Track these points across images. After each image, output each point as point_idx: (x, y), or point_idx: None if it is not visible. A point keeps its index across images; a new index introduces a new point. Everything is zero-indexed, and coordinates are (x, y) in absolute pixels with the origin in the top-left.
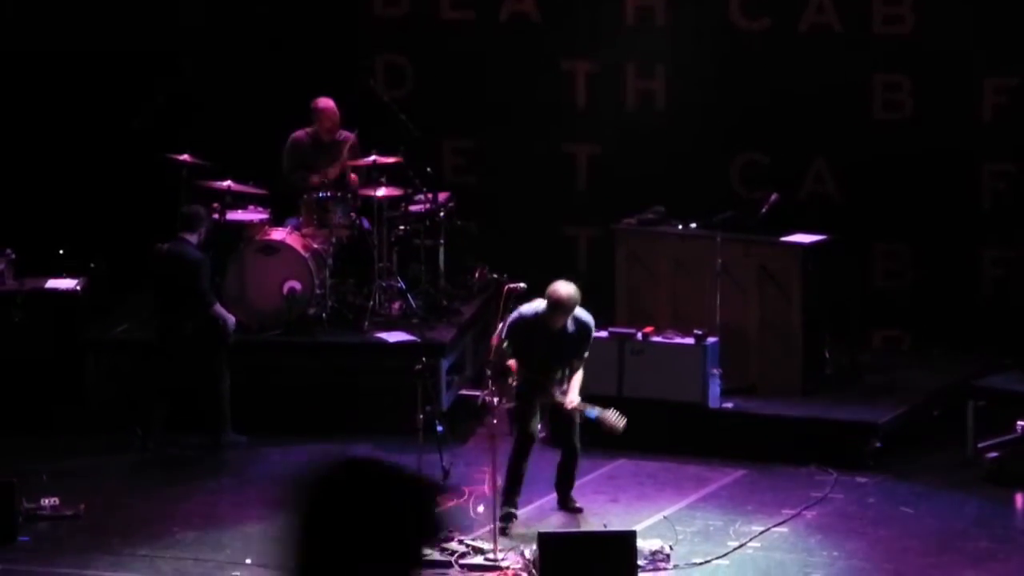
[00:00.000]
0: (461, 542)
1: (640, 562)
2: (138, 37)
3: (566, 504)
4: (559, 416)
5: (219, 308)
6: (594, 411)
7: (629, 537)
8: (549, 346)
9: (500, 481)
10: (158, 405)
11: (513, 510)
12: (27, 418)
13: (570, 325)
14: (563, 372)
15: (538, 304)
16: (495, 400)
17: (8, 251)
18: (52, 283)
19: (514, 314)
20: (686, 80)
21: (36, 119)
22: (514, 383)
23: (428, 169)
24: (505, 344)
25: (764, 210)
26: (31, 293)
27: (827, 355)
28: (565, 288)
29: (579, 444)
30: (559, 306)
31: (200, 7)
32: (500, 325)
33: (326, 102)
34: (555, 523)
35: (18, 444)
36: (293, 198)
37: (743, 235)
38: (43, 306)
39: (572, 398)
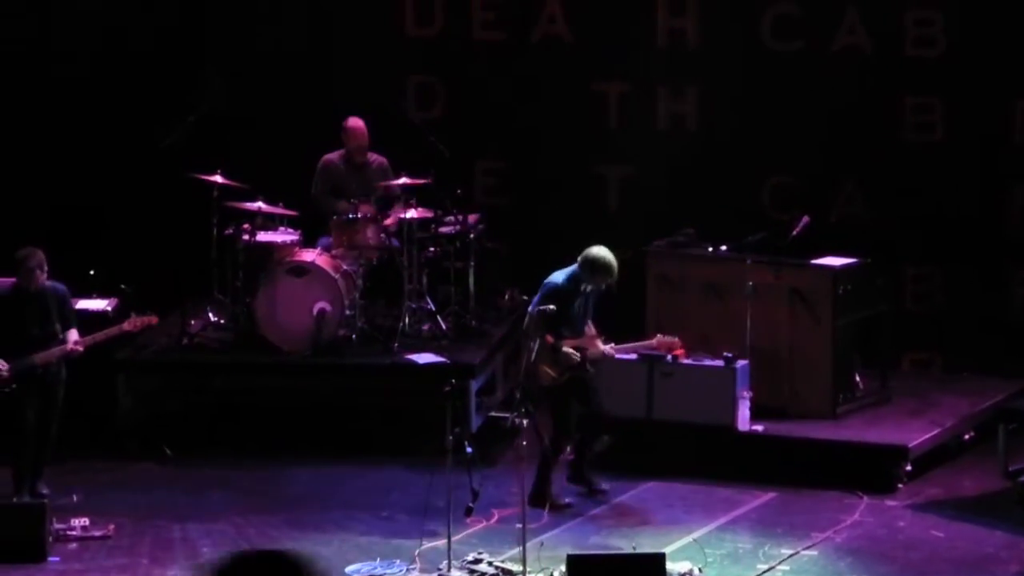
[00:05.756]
0: (490, 564)
1: None
2: (170, 57)
3: (589, 483)
4: (583, 383)
5: None
6: (634, 351)
7: (658, 559)
8: (584, 308)
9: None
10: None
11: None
12: (58, 439)
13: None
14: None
15: (566, 271)
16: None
17: None
18: (83, 304)
19: (547, 285)
20: (718, 102)
21: (68, 140)
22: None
23: (458, 191)
24: (539, 310)
25: (795, 232)
26: None
27: (857, 378)
28: (608, 252)
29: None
30: (609, 272)
31: (231, 27)
32: (531, 346)
33: (355, 121)
34: (584, 545)
35: (49, 464)
36: (322, 219)
37: (774, 257)
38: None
39: (613, 347)
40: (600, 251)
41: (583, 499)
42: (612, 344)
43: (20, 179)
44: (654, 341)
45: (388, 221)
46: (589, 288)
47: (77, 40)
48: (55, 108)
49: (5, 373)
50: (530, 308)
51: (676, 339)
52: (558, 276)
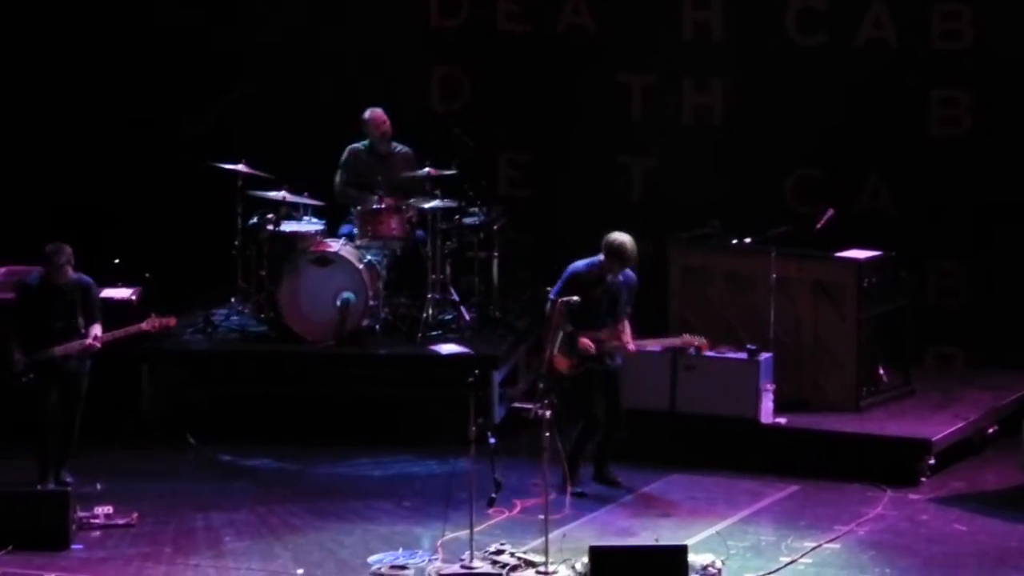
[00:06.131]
0: (513, 555)
1: None
2: (195, 47)
3: (606, 476)
4: (610, 379)
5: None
6: (657, 346)
7: (681, 551)
8: (606, 299)
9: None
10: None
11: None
12: (81, 428)
13: (621, 276)
14: (613, 326)
15: (591, 259)
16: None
17: None
18: (107, 292)
19: (568, 271)
20: (743, 95)
21: (91, 129)
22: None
23: (482, 182)
24: (562, 301)
25: (819, 225)
26: None
27: (881, 371)
28: (627, 237)
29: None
30: (623, 255)
31: (257, 18)
32: (553, 340)
33: (373, 112)
34: (607, 537)
35: (73, 454)
36: (347, 210)
37: (798, 250)
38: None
39: (635, 342)
40: (617, 236)
41: (605, 488)
42: (634, 341)
43: (46, 170)
44: (678, 340)
45: (410, 216)
46: (616, 280)
47: (100, 31)
48: (79, 101)
49: (19, 366)
50: (551, 293)
51: (704, 340)
52: (580, 262)
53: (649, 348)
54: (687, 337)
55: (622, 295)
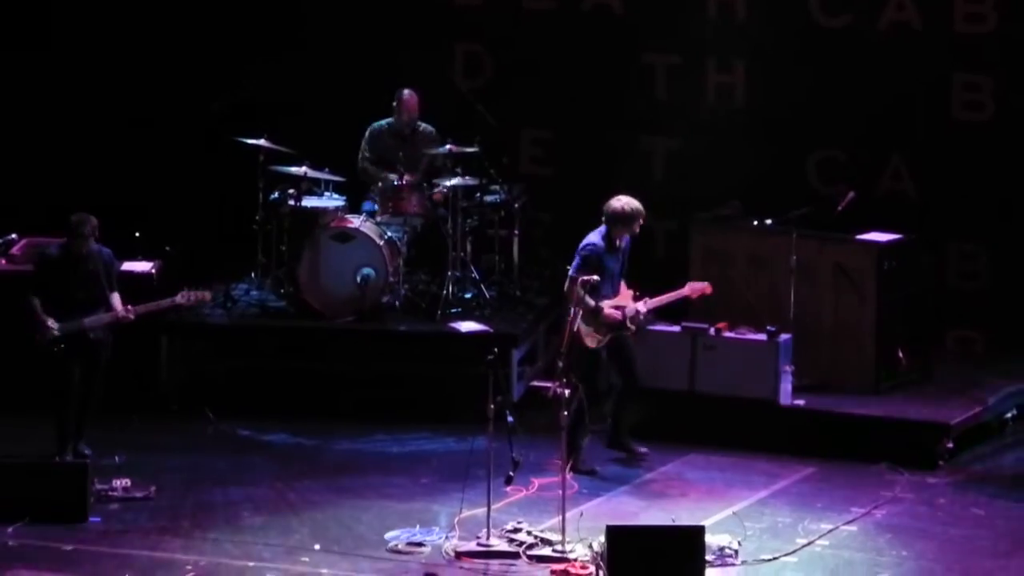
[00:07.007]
0: (530, 533)
1: (708, 557)
2: (221, 23)
3: (632, 449)
4: (622, 349)
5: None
6: (666, 300)
7: (697, 532)
8: (619, 265)
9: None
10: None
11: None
12: (101, 401)
13: (624, 242)
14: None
15: (598, 231)
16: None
17: None
18: (128, 265)
19: (586, 247)
20: (766, 76)
21: (115, 103)
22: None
23: (504, 160)
24: (581, 280)
25: (840, 207)
26: None
27: (900, 354)
28: (629, 199)
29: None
30: (636, 216)
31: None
32: (572, 319)
33: (409, 93)
34: (624, 516)
35: (91, 426)
36: (367, 186)
37: (819, 232)
38: (118, 288)
39: (641, 303)
40: (619, 200)
41: (623, 468)
42: (645, 299)
43: (67, 145)
44: (685, 289)
45: (435, 196)
46: (623, 244)
47: (132, 8)
48: (103, 74)
49: (52, 334)
50: (571, 272)
51: (706, 284)
52: (595, 238)
53: (661, 303)
54: (692, 284)
55: (624, 257)
